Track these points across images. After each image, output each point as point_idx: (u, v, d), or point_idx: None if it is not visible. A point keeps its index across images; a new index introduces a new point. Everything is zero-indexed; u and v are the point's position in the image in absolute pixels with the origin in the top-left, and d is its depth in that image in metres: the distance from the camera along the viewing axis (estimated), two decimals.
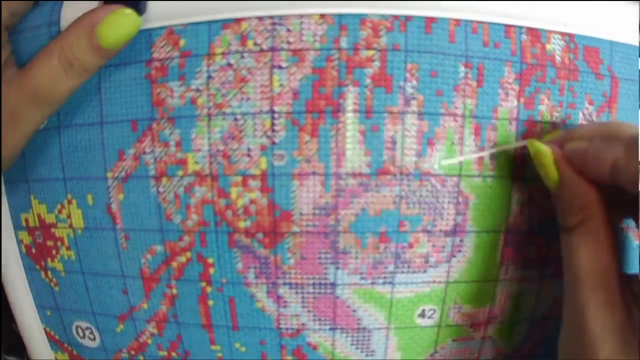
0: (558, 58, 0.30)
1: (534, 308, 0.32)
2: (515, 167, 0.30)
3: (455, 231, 0.30)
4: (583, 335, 0.26)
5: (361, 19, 0.28)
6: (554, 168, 0.27)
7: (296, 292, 0.31)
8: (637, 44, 0.30)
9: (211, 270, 0.31)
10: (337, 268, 0.30)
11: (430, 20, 0.28)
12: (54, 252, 0.33)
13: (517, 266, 0.31)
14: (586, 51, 0.30)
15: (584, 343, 0.26)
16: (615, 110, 0.31)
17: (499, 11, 0.28)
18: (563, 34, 0.29)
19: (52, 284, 0.33)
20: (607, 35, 0.30)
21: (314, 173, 0.29)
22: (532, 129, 0.30)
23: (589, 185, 0.27)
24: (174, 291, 0.31)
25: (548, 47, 0.29)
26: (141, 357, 0.33)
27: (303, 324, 0.31)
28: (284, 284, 0.31)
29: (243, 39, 0.29)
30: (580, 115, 0.30)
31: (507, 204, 0.30)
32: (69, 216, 0.32)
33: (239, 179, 0.29)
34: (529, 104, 0.29)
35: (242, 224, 0.30)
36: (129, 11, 0.28)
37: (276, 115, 0.29)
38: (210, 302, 0.31)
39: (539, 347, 0.33)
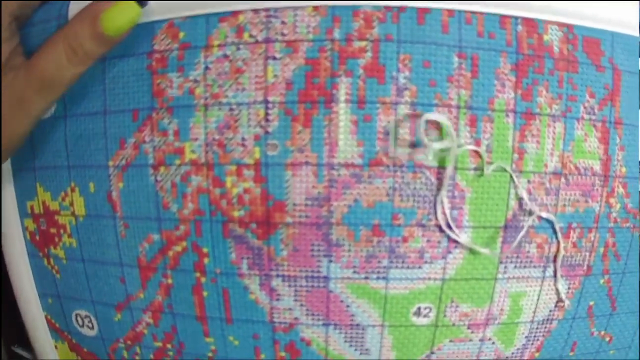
0: (556, 49, 0.29)
1: (535, 310, 0.31)
2: (514, 160, 0.29)
3: (451, 226, 0.29)
4: None
5: (354, 10, 0.28)
6: None
7: (289, 285, 0.30)
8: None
9: (206, 260, 0.31)
10: (330, 261, 0.30)
11: (423, 11, 0.28)
12: (56, 239, 0.33)
13: (517, 264, 0.30)
14: (586, 42, 0.29)
15: None
16: (618, 103, 0.30)
17: (493, 2, 0.28)
18: (561, 25, 0.29)
19: (54, 271, 0.34)
20: (609, 26, 0.29)
21: (306, 163, 0.29)
22: (530, 122, 0.29)
23: None
24: (170, 281, 0.32)
25: (545, 37, 0.29)
26: (137, 348, 0.34)
27: (296, 319, 0.31)
28: (277, 276, 0.30)
29: (239, 31, 0.29)
30: (582, 108, 0.29)
31: (506, 198, 0.29)
32: (71, 204, 0.33)
33: (234, 168, 0.30)
34: (526, 95, 0.29)
35: (236, 214, 0.30)
36: (131, 1, 0.29)
37: (270, 105, 0.29)
38: (205, 293, 0.31)
39: (542, 352, 0.32)
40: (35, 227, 0.34)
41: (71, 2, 0.31)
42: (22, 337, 0.37)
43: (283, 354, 0.32)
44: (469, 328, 0.31)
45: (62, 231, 0.33)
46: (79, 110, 0.32)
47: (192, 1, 0.29)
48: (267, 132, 0.29)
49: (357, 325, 0.31)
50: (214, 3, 0.29)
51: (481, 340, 0.31)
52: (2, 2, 0.29)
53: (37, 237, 0.34)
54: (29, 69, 0.29)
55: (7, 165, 0.34)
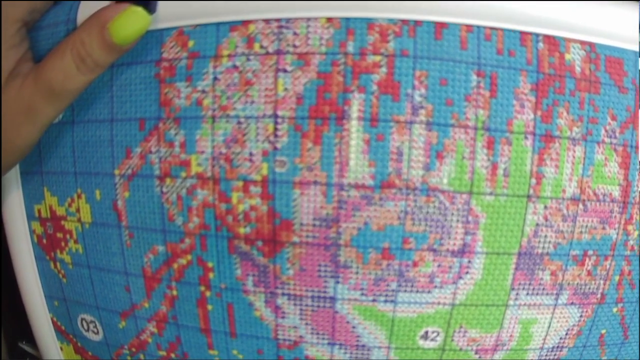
0: (578, 69, 0.27)
1: (545, 337, 0.30)
2: (531, 185, 0.28)
3: (463, 251, 0.28)
4: None
5: (369, 23, 0.27)
6: None
7: (294, 304, 0.30)
8: None
9: (210, 275, 0.30)
10: (337, 282, 0.29)
11: (441, 25, 0.27)
12: (63, 244, 0.33)
13: (529, 291, 0.29)
14: (608, 62, 0.28)
15: None
16: None
17: (514, 17, 0.26)
18: (583, 43, 0.27)
19: (61, 275, 0.34)
20: (632, 45, 0.27)
21: (315, 182, 0.28)
22: (549, 145, 0.27)
23: None
24: (174, 292, 0.31)
25: (567, 56, 0.27)
26: (142, 356, 0.33)
27: (301, 337, 0.30)
28: (283, 294, 0.30)
29: (250, 41, 0.28)
30: (603, 131, 0.28)
31: (521, 225, 0.28)
32: (78, 210, 0.32)
33: (240, 183, 0.29)
34: (546, 117, 0.27)
35: (242, 230, 0.29)
36: (139, 9, 0.28)
37: (279, 120, 0.28)
38: (209, 307, 0.31)
39: None
40: (42, 231, 0.34)
41: (80, 6, 0.30)
42: (24, 335, 0.38)
43: None
44: (476, 353, 0.30)
45: (68, 236, 0.33)
46: (86, 117, 0.31)
47: (203, 9, 0.28)
48: (275, 148, 0.28)
49: (363, 346, 0.30)
50: (224, 10, 0.28)
51: None
52: (10, 7, 0.29)
53: (45, 241, 0.34)
54: (37, 77, 0.29)
55: (14, 167, 0.33)
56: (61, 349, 0.36)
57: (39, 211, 0.34)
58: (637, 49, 0.27)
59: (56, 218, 0.33)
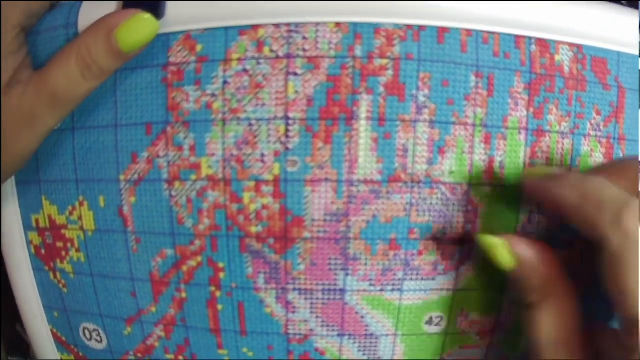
0: (566, 69, 0.30)
1: None
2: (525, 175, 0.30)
3: (464, 239, 0.31)
4: None
5: (375, 27, 0.29)
6: (508, 256, 0.28)
7: (305, 298, 0.31)
8: None
9: (221, 275, 0.31)
10: (347, 274, 0.30)
11: (443, 30, 0.29)
12: (63, 253, 0.33)
13: None
14: (594, 62, 0.31)
15: None
16: (622, 121, 0.31)
17: (510, 22, 0.29)
18: (571, 45, 0.30)
19: (61, 285, 0.33)
20: (615, 46, 0.30)
21: (326, 179, 0.29)
22: (541, 139, 0.30)
23: (547, 264, 0.27)
24: (183, 295, 0.31)
25: (557, 57, 0.30)
26: None
27: (311, 330, 0.32)
28: (294, 289, 0.31)
29: (259, 45, 0.29)
30: (588, 125, 0.31)
31: (516, 212, 0.31)
32: (80, 218, 0.32)
33: (252, 184, 0.30)
34: (537, 113, 0.30)
35: (253, 229, 0.30)
36: (147, 16, 0.28)
37: (290, 122, 0.29)
38: (219, 307, 0.31)
39: None
40: (40, 241, 0.33)
41: (80, 9, 0.29)
42: (20, 346, 0.37)
43: None
44: (477, 335, 0.32)
45: (69, 245, 0.32)
46: (87, 123, 0.31)
47: (211, 13, 0.29)
48: (287, 149, 0.29)
49: (371, 334, 0.32)
50: (232, 14, 0.29)
51: (489, 346, 0.33)
52: (8, 13, 0.28)
53: (43, 251, 0.33)
54: (40, 84, 0.28)
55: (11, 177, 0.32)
56: None
57: (37, 221, 0.33)
58: (619, 50, 0.30)
59: (56, 227, 0.32)
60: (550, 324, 0.27)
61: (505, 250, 0.28)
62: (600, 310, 0.29)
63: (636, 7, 0.32)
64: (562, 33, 0.29)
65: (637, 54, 0.31)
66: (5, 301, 0.36)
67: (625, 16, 0.31)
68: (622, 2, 0.35)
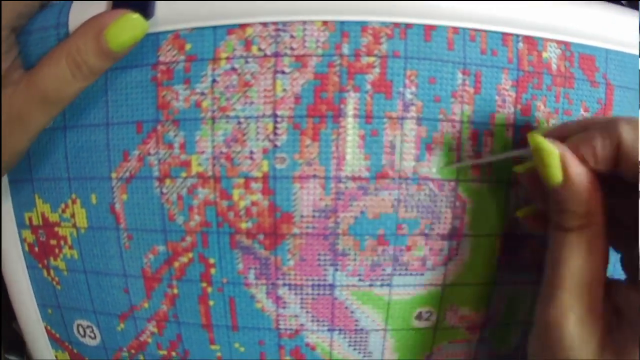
0: (554, 66, 0.30)
1: (529, 311, 0.33)
2: (512, 172, 0.31)
3: (452, 235, 0.31)
4: (562, 338, 0.26)
5: (362, 26, 0.29)
6: (559, 168, 0.25)
7: (295, 293, 0.31)
8: (632, 52, 0.31)
9: (212, 271, 0.31)
10: (336, 270, 0.31)
11: (430, 28, 0.29)
12: (56, 250, 0.33)
13: (513, 269, 0.32)
14: (582, 59, 0.31)
15: (562, 346, 0.26)
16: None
17: (497, 19, 0.29)
18: (559, 42, 0.30)
19: (54, 283, 0.34)
20: (603, 43, 0.30)
21: (314, 176, 0.30)
22: None
23: (596, 190, 0.26)
24: (175, 291, 0.32)
25: (544, 55, 0.30)
26: (141, 356, 0.34)
27: (302, 325, 0.32)
28: (284, 284, 0.31)
29: (247, 44, 0.29)
30: None
31: (504, 208, 0.31)
32: (72, 215, 0.32)
33: (242, 181, 0.30)
34: (525, 110, 0.30)
35: (243, 225, 0.30)
36: (136, 16, 0.28)
37: (279, 119, 0.29)
38: (211, 302, 0.32)
39: None
40: (34, 239, 0.33)
41: (70, 9, 0.30)
42: (17, 344, 0.37)
43: (288, 358, 0.32)
44: (467, 329, 0.33)
45: (62, 243, 0.33)
46: (79, 122, 0.31)
47: (199, 13, 0.29)
48: (275, 146, 0.29)
49: (361, 329, 0.32)
50: (221, 13, 0.29)
51: (478, 340, 0.33)
52: None
53: (36, 249, 0.34)
54: (30, 84, 0.28)
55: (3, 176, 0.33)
56: (56, 357, 0.36)
57: (30, 219, 0.33)
58: (607, 47, 0.30)
59: (49, 225, 0.33)
60: (582, 258, 0.26)
61: (559, 162, 0.25)
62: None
63: (636, 7, 0.32)
64: (550, 30, 0.30)
65: (626, 50, 0.31)
66: (2, 299, 0.36)
67: (625, 16, 0.31)
68: (622, 2, 0.35)
